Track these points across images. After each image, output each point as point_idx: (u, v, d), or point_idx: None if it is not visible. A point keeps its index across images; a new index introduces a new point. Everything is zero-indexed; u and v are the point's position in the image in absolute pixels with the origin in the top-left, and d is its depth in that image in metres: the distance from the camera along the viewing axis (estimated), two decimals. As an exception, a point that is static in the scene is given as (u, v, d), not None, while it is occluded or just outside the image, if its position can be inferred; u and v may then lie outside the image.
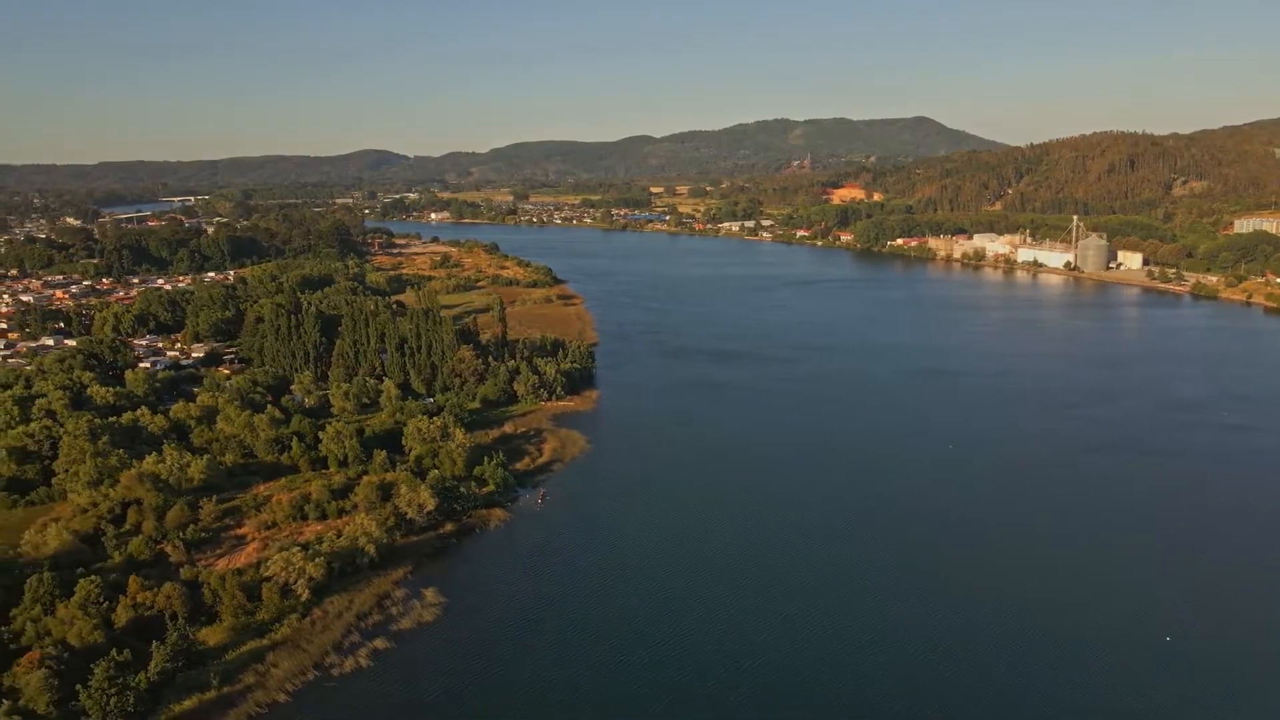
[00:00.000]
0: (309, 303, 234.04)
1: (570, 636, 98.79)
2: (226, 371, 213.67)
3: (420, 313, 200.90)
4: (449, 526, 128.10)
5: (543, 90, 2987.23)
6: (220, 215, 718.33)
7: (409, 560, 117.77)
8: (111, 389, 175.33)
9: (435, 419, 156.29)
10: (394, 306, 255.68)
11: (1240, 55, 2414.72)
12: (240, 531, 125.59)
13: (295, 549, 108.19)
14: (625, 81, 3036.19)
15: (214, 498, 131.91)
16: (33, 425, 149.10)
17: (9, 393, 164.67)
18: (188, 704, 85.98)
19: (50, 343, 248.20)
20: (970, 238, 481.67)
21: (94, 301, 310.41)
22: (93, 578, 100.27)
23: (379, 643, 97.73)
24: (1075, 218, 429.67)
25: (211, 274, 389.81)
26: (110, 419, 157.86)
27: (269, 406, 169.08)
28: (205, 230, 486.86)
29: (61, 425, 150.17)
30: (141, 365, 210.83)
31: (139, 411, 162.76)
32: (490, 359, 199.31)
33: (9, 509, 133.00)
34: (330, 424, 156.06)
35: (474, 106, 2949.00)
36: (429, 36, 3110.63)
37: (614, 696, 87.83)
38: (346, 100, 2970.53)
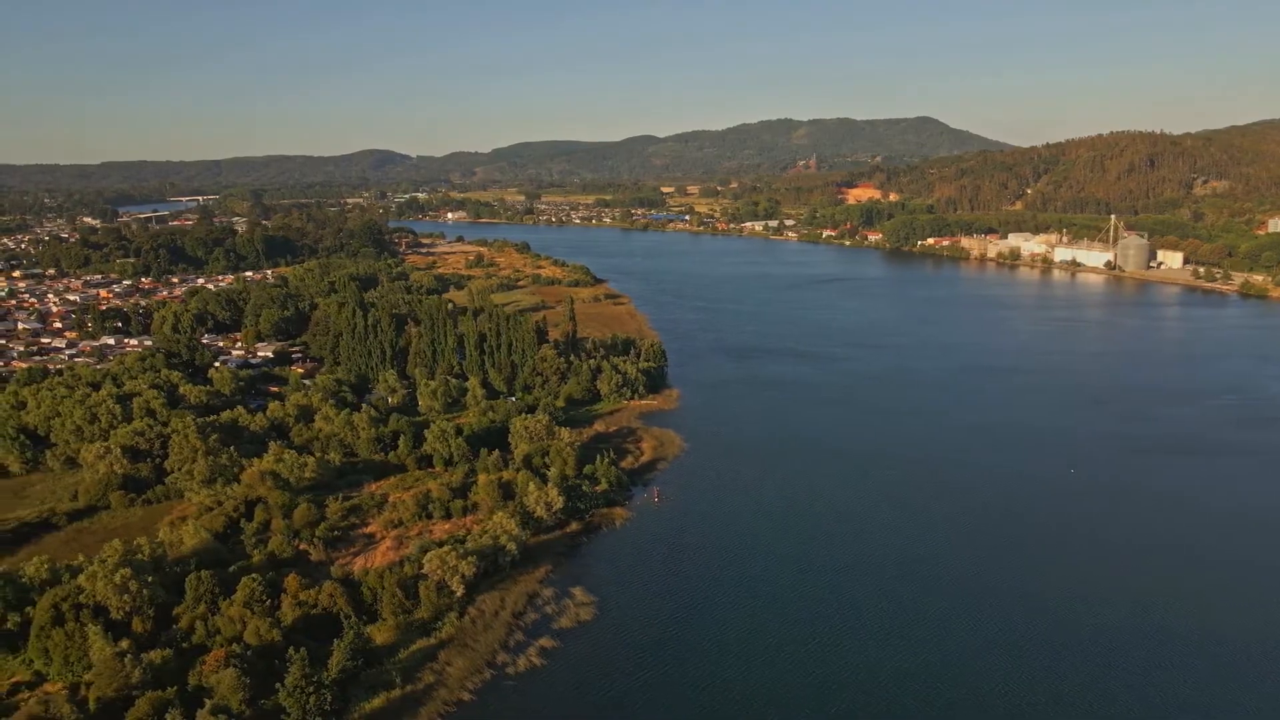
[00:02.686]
0: (375, 302, 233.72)
1: (726, 637, 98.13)
2: (300, 370, 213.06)
3: (500, 311, 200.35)
4: (574, 525, 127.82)
5: (545, 91, 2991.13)
6: (238, 214, 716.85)
7: (545, 559, 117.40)
8: (203, 388, 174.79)
9: (539, 417, 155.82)
10: (451, 305, 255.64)
11: (1239, 58, 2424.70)
12: (368, 530, 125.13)
13: (446, 547, 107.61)
14: (628, 82, 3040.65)
15: (339, 496, 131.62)
16: (138, 424, 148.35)
17: (103, 392, 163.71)
18: (376, 702, 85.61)
19: (111, 342, 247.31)
20: (1003, 237, 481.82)
21: (142, 301, 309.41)
22: (254, 576, 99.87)
23: (544, 641, 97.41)
24: (1113, 217, 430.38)
25: (249, 273, 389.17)
26: (208, 418, 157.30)
27: (364, 405, 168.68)
28: (236, 230, 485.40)
29: (165, 424, 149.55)
30: (216, 364, 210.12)
31: (236, 410, 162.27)
32: (571, 357, 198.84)
33: (126, 507, 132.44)
34: (435, 422, 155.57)
35: (476, 107, 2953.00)
36: (429, 40, 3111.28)
37: (779, 698, 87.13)
38: (348, 101, 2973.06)
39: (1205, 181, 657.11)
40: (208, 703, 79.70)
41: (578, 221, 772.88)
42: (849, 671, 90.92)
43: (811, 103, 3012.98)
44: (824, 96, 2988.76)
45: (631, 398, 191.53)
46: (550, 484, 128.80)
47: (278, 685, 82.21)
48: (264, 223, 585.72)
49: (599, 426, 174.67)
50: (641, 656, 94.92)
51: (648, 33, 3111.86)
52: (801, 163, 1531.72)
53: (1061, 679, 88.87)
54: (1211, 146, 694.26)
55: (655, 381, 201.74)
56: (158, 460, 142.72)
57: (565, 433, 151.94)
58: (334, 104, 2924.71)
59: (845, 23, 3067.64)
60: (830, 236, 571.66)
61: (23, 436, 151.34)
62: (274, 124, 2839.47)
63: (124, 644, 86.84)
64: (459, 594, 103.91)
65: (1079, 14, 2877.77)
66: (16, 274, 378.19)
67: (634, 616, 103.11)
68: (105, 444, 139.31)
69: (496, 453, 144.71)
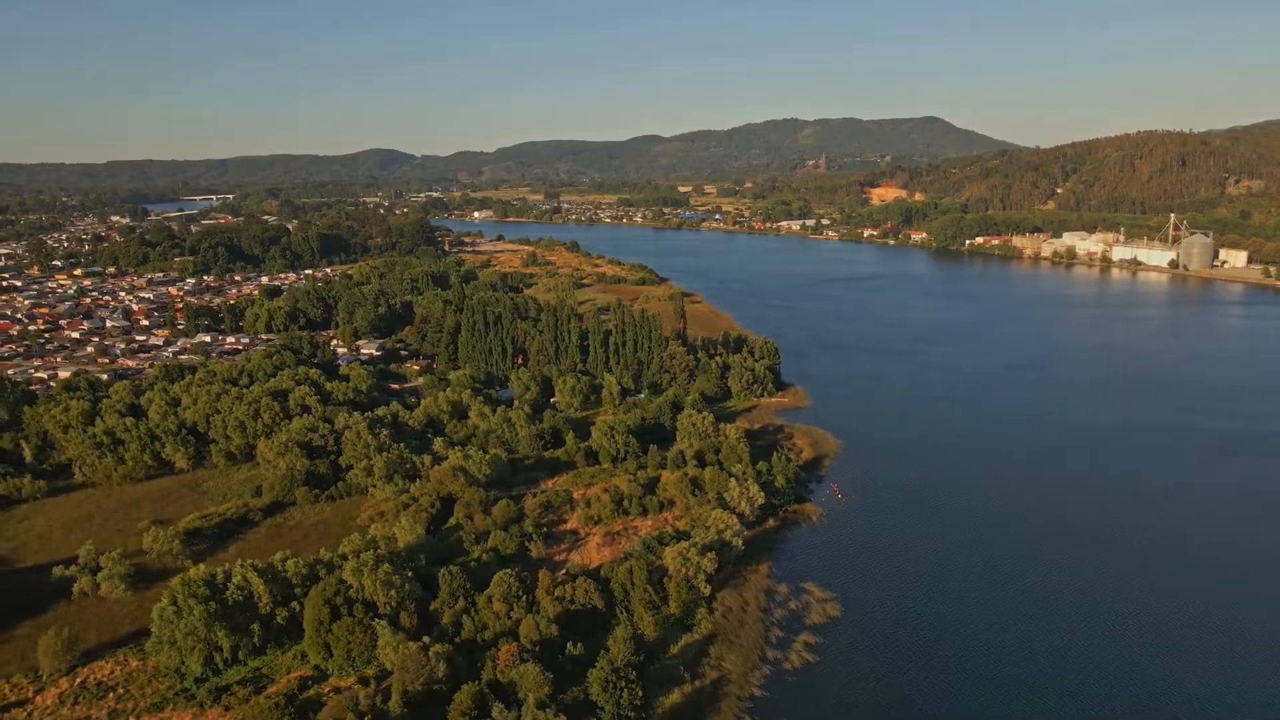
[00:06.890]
0: (479, 299, 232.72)
1: (988, 637, 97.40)
2: (416, 367, 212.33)
3: (626, 309, 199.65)
4: (771, 521, 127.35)
5: (550, 91, 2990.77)
6: (268, 214, 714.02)
7: (760, 555, 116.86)
8: (347, 384, 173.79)
9: (703, 413, 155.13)
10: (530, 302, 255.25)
11: (1238, 58, 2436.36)
12: (569, 526, 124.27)
13: (684, 544, 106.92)
14: (633, 82, 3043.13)
15: (534, 492, 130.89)
16: (306, 420, 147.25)
17: (257, 389, 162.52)
18: (674, 697, 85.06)
19: (208, 339, 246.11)
20: (1057, 235, 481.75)
21: (215, 299, 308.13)
22: (507, 571, 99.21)
23: (806, 638, 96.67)
24: (1173, 216, 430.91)
25: (309, 271, 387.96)
26: (368, 414, 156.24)
27: (516, 402, 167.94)
28: (288, 229, 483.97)
29: (330, 421, 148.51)
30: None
31: (393, 406, 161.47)
32: (701, 355, 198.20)
33: (311, 503, 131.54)
34: (599, 419, 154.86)
35: (480, 108, 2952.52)
36: (431, 43, 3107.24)
37: (1064, 698, 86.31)
38: (353, 102, 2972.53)
39: (1238, 181, 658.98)
40: (530, 698, 78.78)
41: (607, 220, 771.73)
42: (1138, 688, 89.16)
43: (817, 103, 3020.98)
44: (829, 96, 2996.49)
45: (762, 395, 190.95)
46: (749, 480, 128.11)
47: (585, 679, 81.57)
48: (314, 221, 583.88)
49: (742, 424, 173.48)
50: (905, 653, 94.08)
51: (652, 34, 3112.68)
52: (810, 162, 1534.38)
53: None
54: (1240, 145, 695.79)
55: (779, 379, 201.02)
56: (332, 456, 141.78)
57: (731, 429, 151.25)
58: (339, 105, 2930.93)
59: (849, 23, 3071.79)
60: (872, 236, 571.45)
61: (184, 432, 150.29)
62: (278, 124, 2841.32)
63: (424, 639, 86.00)
64: (705, 591, 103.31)
65: (1081, 15, 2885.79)
66: (78, 272, 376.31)
67: (881, 614, 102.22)
68: (283, 441, 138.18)
69: (675, 449, 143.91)
